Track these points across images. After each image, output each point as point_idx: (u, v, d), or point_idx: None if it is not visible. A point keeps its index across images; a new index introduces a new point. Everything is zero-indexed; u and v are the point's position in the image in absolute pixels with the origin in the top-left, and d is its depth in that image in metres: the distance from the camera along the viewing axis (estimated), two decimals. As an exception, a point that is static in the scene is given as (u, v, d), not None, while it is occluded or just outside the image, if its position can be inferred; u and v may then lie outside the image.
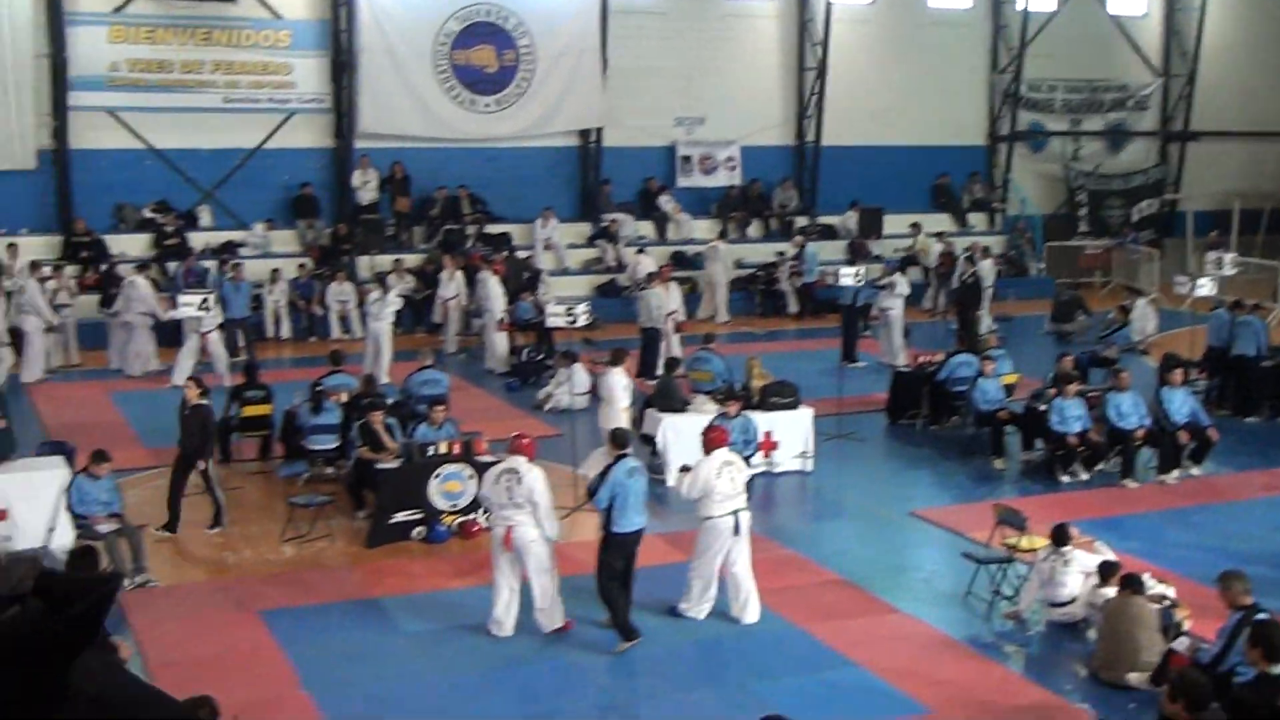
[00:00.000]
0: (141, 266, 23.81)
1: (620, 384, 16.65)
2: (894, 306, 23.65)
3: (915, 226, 31.08)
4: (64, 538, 13.76)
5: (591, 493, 11.73)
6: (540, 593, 11.80)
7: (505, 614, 11.81)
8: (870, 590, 13.06)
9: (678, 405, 17.18)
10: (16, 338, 22.05)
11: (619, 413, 16.20)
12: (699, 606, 12.16)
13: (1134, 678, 10.77)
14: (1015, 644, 12.11)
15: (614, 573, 11.61)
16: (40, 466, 14.83)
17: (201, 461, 14.57)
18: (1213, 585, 11.41)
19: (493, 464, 14.63)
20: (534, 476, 11.66)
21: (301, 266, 26.28)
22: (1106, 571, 11.76)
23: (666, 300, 22.63)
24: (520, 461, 11.78)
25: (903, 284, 24.18)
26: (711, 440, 12.27)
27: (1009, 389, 18.75)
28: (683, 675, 11.28)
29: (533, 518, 11.62)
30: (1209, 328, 21.07)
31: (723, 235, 29.47)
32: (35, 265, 23.00)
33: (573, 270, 29.07)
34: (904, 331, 23.88)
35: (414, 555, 14.13)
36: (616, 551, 11.59)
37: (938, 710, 10.23)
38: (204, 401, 14.63)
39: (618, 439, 12.12)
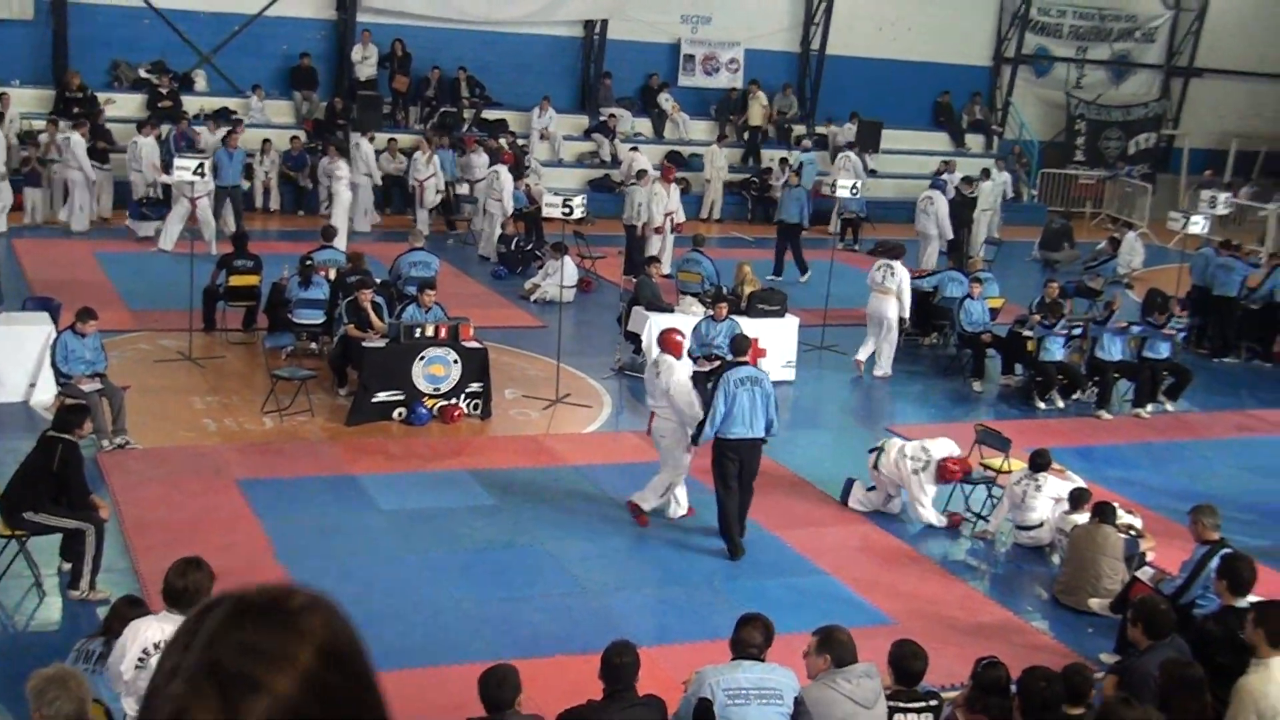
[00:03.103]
0: (141, 126, 23.72)
1: None
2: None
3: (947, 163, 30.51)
4: (45, 394, 13.86)
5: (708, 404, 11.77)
6: (654, 480, 12.24)
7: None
8: (842, 504, 13.22)
9: (657, 303, 17.21)
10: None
11: None
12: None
13: (1094, 603, 11.00)
14: (982, 563, 12.33)
15: (725, 477, 11.71)
16: (25, 321, 14.84)
17: None
18: (1178, 519, 11.64)
19: (476, 350, 14.82)
20: (668, 371, 11.96)
21: (295, 139, 26.05)
22: (1077, 498, 11.94)
23: (667, 199, 22.59)
24: (666, 356, 12.07)
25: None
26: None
27: (994, 312, 18.85)
28: (654, 571, 11.46)
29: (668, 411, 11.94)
30: (1193, 266, 21.17)
31: (722, 139, 29.31)
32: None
33: (567, 162, 28.91)
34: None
35: (393, 435, 14.23)
36: (723, 457, 11.69)
37: (901, 622, 10.43)
38: None
39: (735, 345, 12.46)
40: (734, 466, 11.64)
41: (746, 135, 30.37)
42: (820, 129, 31.45)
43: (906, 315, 18.10)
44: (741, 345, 12.30)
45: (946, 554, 12.34)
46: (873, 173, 29.73)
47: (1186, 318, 18.78)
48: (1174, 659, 7.63)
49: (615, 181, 27.89)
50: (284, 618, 1.33)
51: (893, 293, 17.82)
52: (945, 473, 12.73)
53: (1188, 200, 29.90)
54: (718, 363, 15.15)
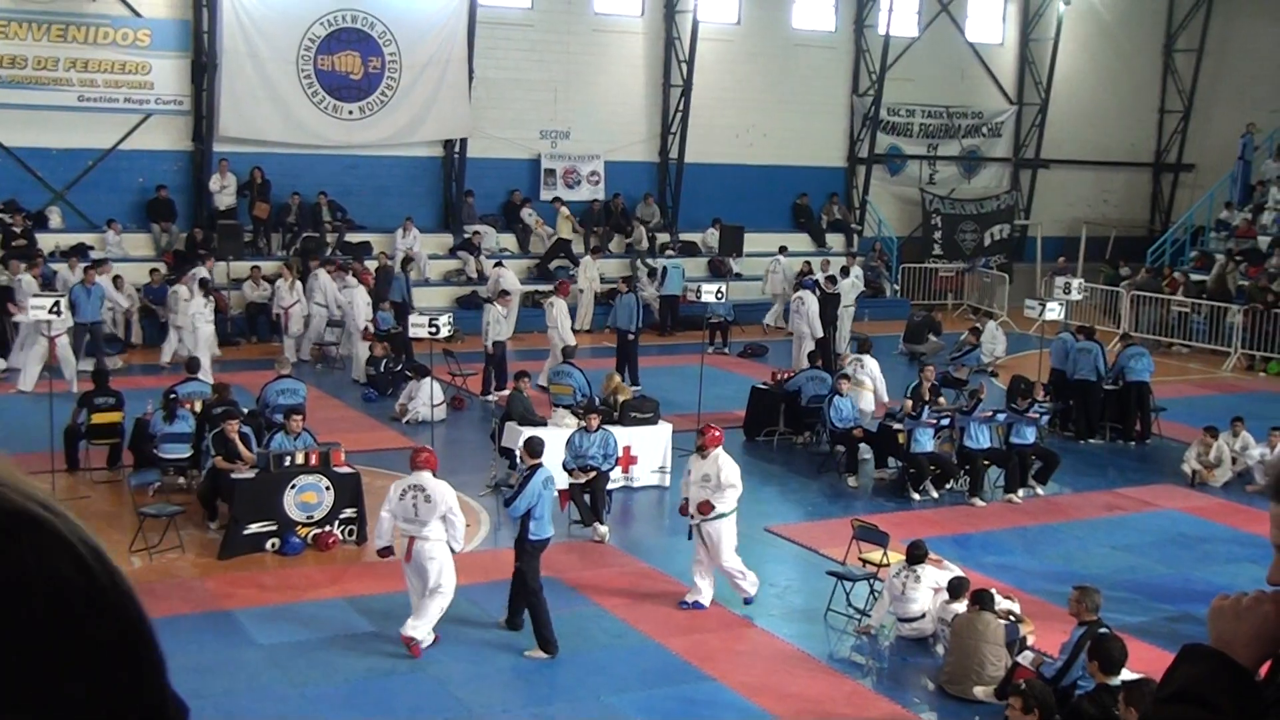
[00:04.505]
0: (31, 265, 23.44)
1: None
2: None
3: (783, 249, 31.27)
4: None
5: (508, 503, 12.16)
6: (423, 609, 11.72)
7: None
8: (725, 605, 13.21)
9: (530, 417, 17.16)
10: None
11: None
12: None
13: (979, 691, 11.06)
14: (866, 658, 12.36)
15: (539, 575, 11.91)
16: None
17: None
18: (1055, 601, 11.82)
19: (349, 475, 14.64)
20: (441, 491, 11.77)
21: (154, 272, 25.69)
22: (956, 587, 12.05)
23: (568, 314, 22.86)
24: (425, 477, 11.83)
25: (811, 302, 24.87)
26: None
27: (863, 407, 19.11)
28: (539, 688, 11.31)
29: (438, 532, 11.74)
30: (1053, 352, 21.69)
31: (595, 251, 29.37)
32: None
33: (433, 281, 28.90)
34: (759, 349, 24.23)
35: (267, 567, 13.94)
36: (535, 559, 11.92)
37: (790, 723, 10.40)
38: None
39: (532, 448, 12.43)
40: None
41: (556, 247, 30.34)
42: (686, 236, 31.83)
43: (885, 399, 19.48)
44: (536, 447, 12.43)
45: (832, 651, 12.36)
46: (738, 276, 30.18)
47: (1049, 402, 19.21)
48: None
49: (483, 298, 27.87)
50: None
51: (866, 385, 18.66)
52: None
53: (1043, 288, 30.75)
54: (593, 474, 15.17)
